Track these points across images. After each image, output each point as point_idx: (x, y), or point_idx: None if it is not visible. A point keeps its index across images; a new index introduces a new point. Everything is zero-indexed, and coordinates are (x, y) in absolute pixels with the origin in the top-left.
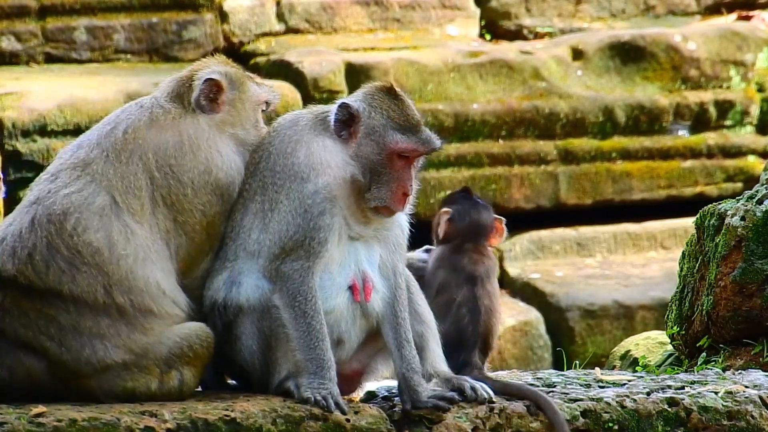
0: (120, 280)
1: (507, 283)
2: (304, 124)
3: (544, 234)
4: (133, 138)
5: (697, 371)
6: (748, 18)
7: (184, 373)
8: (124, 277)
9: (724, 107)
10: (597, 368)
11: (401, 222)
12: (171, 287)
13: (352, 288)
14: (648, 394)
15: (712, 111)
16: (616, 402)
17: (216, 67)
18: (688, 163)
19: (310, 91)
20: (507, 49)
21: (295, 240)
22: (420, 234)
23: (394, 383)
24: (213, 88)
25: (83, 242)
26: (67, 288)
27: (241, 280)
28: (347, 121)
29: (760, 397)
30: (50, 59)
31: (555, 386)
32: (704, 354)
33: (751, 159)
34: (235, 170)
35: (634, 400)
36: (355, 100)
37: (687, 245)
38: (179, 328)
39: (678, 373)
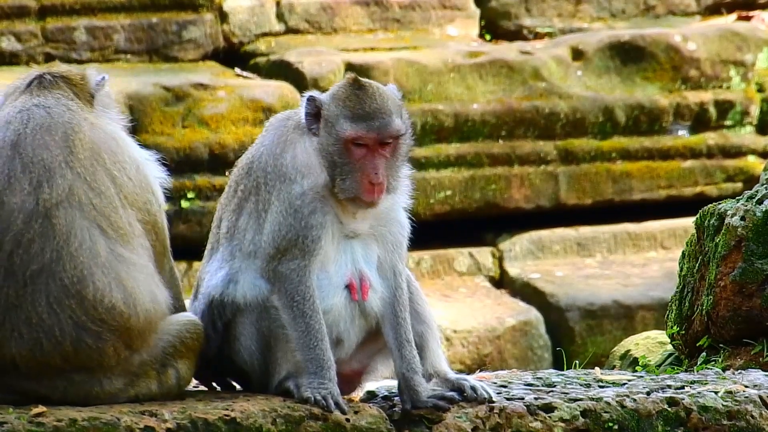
0: (141, 331)
1: (507, 283)
2: (291, 124)
3: (544, 234)
4: (89, 144)
5: (697, 371)
6: (748, 18)
7: (179, 368)
8: (143, 321)
9: (724, 107)
10: (597, 368)
11: (401, 220)
12: (163, 294)
13: (349, 287)
14: (648, 393)
15: (712, 111)
16: (616, 402)
17: (88, 69)
18: (688, 163)
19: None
20: (507, 49)
21: (288, 239)
22: (420, 233)
23: (394, 383)
24: (103, 87)
25: (106, 309)
26: (96, 363)
27: (238, 278)
28: (317, 115)
29: (760, 397)
30: (50, 59)
31: (555, 386)
32: (704, 354)
33: (751, 159)
34: (150, 164)
35: (634, 400)
36: (323, 93)
37: (687, 245)
38: (169, 327)
39: (678, 373)
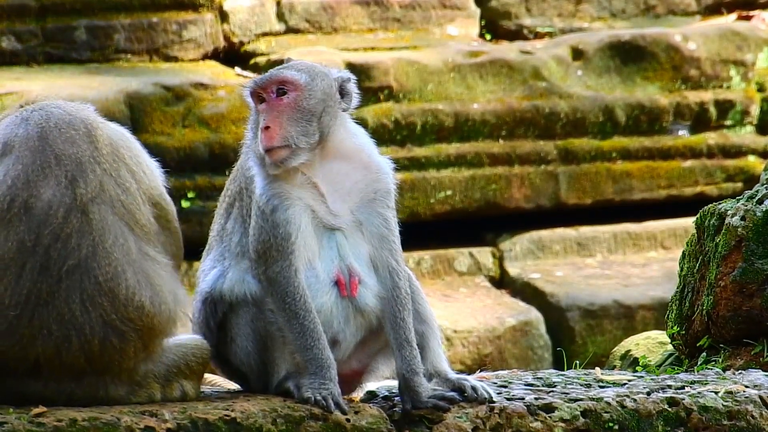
0: (161, 331)
1: (507, 283)
2: None
3: (544, 234)
4: (108, 140)
5: (697, 371)
6: (748, 18)
7: (184, 384)
8: (165, 320)
9: (724, 107)
10: (597, 368)
11: (382, 212)
12: (183, 292)
13: (338, 283)
14: (648, 394)
15: (712, 111)
16: (616, 402)
17: None
18: (688, 163)
19: None
20: (507, 49)
21: (263, 242)
22: (420, 233)
23: (394, 383)
24: None
25: (135, 308)
26: (116, 365)
27: (227, 275)
28: None
29: (761, 397)
30: (50, 59)
31: (555, 386)
32: (704, 354)
33: (751, 159)
34: (152, 160)
35: (635, 400)
36: None
37: (687, 245)
38: (176, 346)
39: (678, 373)
